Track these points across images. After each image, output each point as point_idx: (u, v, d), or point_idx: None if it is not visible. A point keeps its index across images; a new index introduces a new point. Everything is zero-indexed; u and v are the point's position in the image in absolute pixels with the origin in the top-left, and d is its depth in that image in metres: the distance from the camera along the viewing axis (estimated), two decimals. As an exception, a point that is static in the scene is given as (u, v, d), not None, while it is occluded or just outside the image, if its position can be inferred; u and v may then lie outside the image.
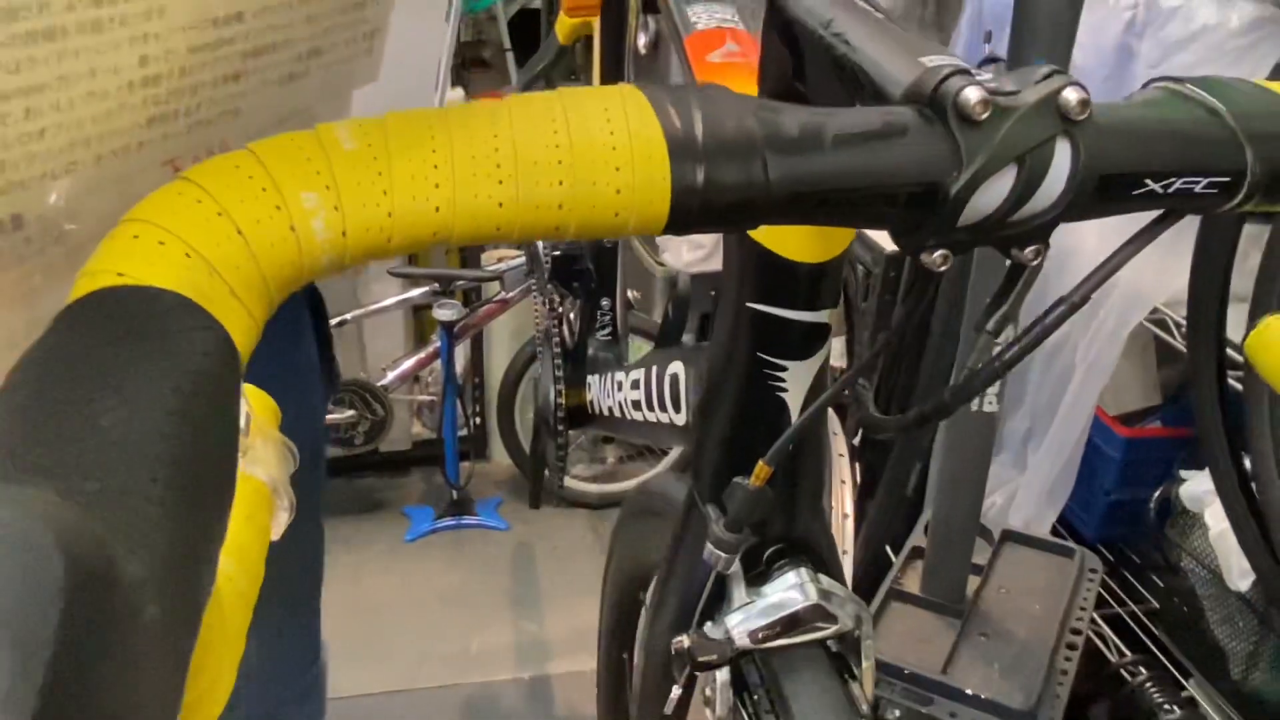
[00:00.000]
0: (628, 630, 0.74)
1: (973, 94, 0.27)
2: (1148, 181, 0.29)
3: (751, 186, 0.25)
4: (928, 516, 1.08)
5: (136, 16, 0.21)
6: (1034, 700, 0.91)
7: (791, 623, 0.44)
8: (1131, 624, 1.22)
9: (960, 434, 0.96)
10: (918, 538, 1.11)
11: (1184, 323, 1.00)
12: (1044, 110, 0.27)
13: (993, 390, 0.93)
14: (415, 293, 2.25)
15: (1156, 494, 1.15)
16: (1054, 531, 1.35)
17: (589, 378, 0.97)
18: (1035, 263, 0.31)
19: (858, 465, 1.54)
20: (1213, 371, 0.96)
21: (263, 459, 0.34)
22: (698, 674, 0.45)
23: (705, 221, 0.26)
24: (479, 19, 2.92)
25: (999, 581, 1.07)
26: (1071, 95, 0.27)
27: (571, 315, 1.10)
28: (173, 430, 0.18)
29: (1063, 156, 0.28)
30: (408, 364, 2.31)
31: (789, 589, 0.45)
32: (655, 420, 0.67)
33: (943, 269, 0.29)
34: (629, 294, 1.11)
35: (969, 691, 0.92)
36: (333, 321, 2.28)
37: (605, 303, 1.05)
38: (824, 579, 0.46)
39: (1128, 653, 1.17)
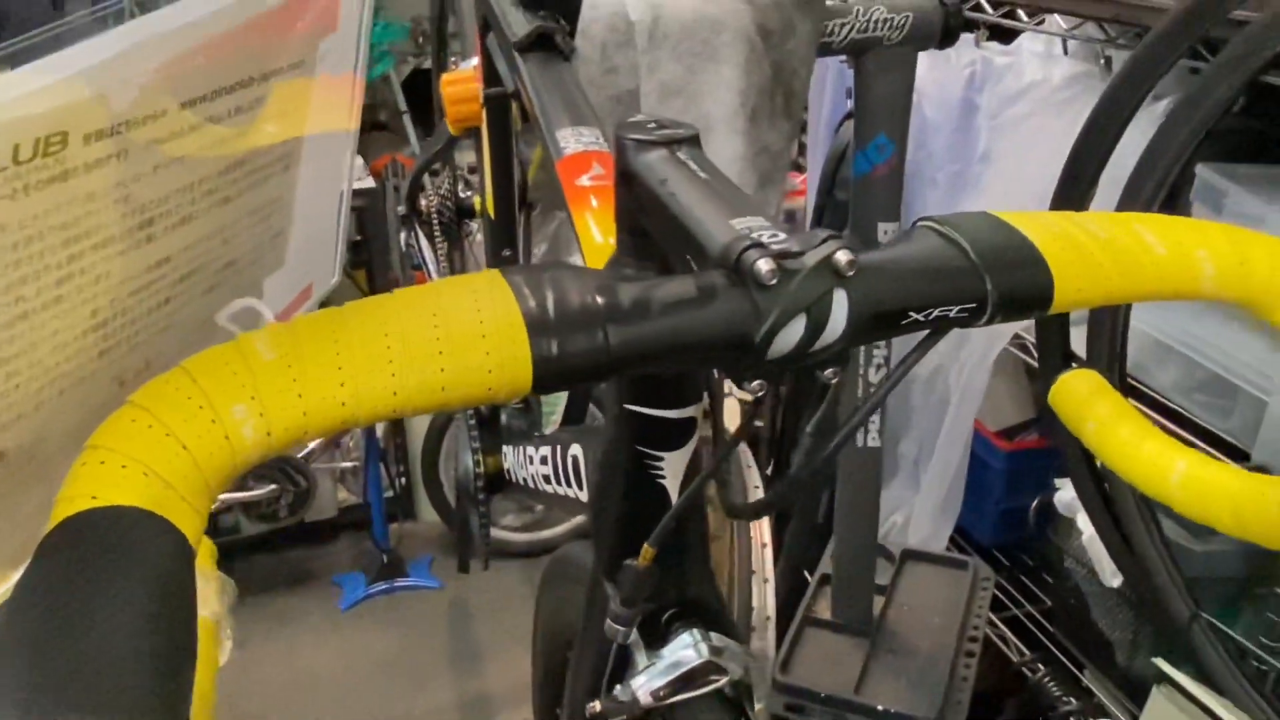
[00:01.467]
0: (557, 688, 0.79)
1: (764, 265, 0.34)
2: (911, 313, 0.36)
3: (596, 352, 0.32)
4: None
5: (88, 284, 0.26)
6: (938, 708, 0.99)
7: (688, 679, 0.50)
8: (1029, 624, 1.32)
9: (851, 469, 1.04)
10: (826, 565, 1.19)
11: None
12: (822, 270, 0.34)
13: (874, 428, 1.01)
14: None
15: (1035, 503, 1.25)
16: (954, 542, 1.44)
17: (504, 447, 1.03)
18: (835, 380, 0.38)
19: (772, 496, 1.62)
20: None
21: (205, 597, 0.39)
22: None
23: (562, 383, 0.32)
24: (372, 84, 2.96)
25: (902, 599, 1.16)
26: (842, 256, 0.35)
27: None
28: (149, 625, 0.23)
29: (840, 304, 0.35)
30: (327, 434, 2.32)
31: (684, 649, 0.51)
32: (564, 494, 0.73)
33: (760, 394, 0.36)
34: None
35: (880, 707, 1.00)
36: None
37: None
38: (714, 636, 0.52)
39: (1027, 652, 1.27)
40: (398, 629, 2.25)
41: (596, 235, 0.54)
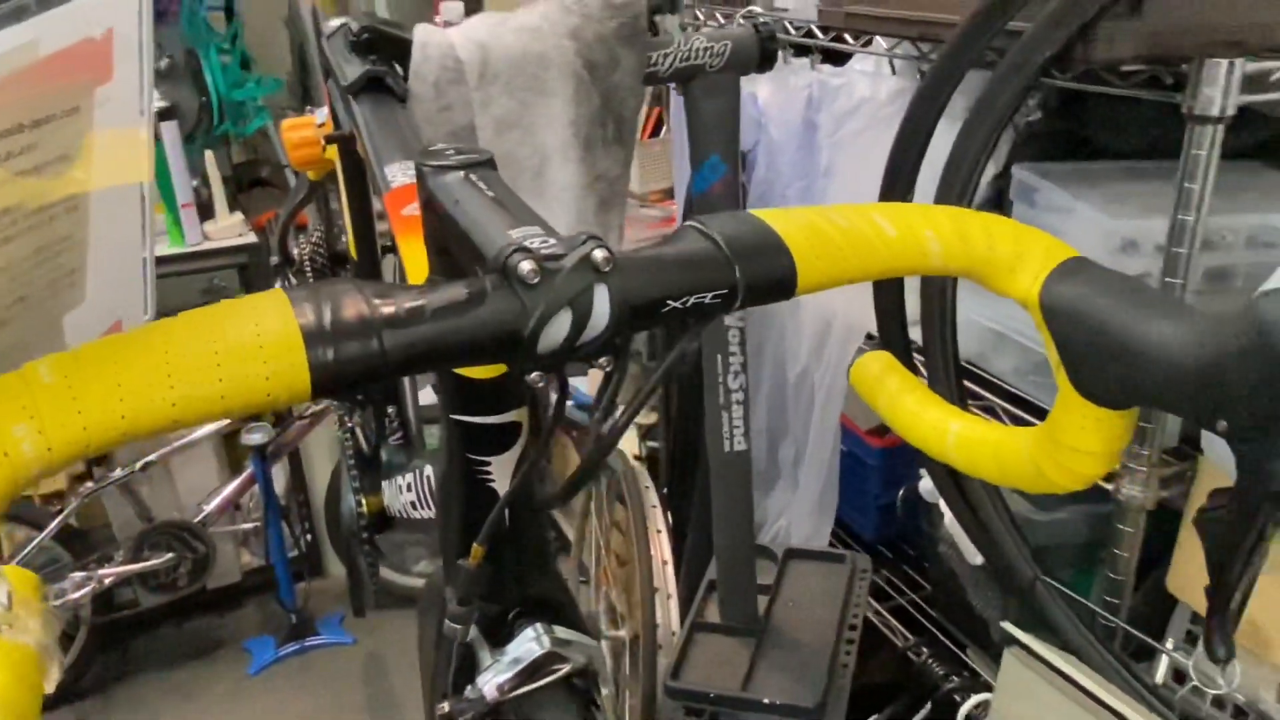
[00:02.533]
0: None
1: (526, 265, 0.37)
2: (670, 302, 0.41)
3: (372, 357, 0.35)
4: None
5: None
6: (820, 696, 1.03)
7: (531, 671, 0.53)
8: (914, 611, 1.38)
9: (721, 473, 1.08)
10: (713, 572, 1.23)
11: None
12: (581, 267, 0.38)
13: (739, 432, 1.06)
14: (221, 422, 2.23)
15: (901, 493, 1.31)
16: (839, 539, 1.50)
17: (384, 483, 1.04)
18: (609, 369, 0.42)
19: (668, 514, 1.66)
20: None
21: (29, 627, 0.40)
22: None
23: (342, 386, 0.35)
24: (251, 140, 2.94)
25: (786, 596, 1.20)
26: (599, 254, 0.39)
27: (360, 426, 1.17)
28: None
29: (601, 297, 0.39)
30: (223, 495, 2.27)
31: (527, 643, 0.54)
32: (427, 518, 0.76)
33: (540, 384, 0.40)
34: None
35: (765, 700, 1.03)
36: (138, 464, 2.21)
37: (392, 410, 1.12)
38: (558, 629, 0.56)
39: (910, 637, 1.33)
40: (312, 689, 2.20)
41: (419, 260, 0.57)
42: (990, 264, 0.45)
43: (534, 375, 0.39)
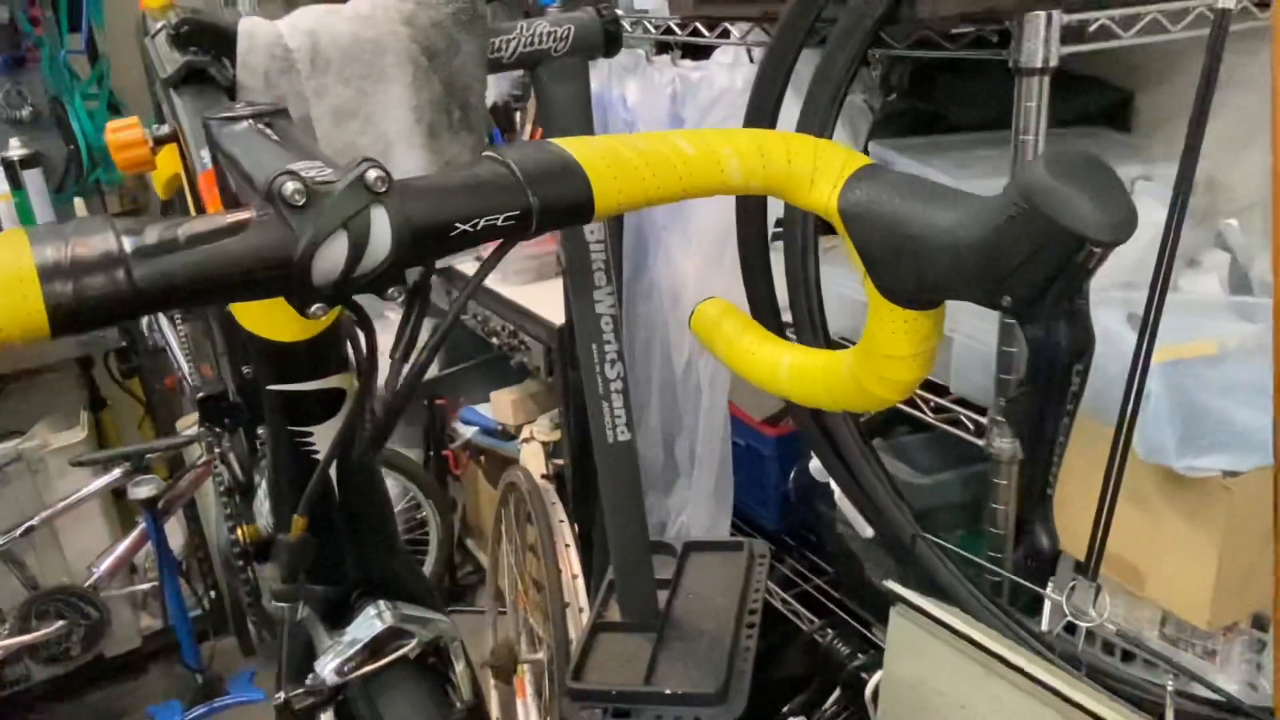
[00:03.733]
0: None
1: (290, 185, 0.36)
2: (459, 224, 0.39)
3: (119, 291, 0.33)
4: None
5: None
6: (722, 681, 1.02)
7: (373, 649, 0.51)
8: (820, 597, 1.39)
9: (608, 467, 1.07)
10: (611, 572, 1.21)
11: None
12: (355, 188, 0.37)
13: (621, 421, 1.05)
14: (107, 478, 2.12)
15: (793, 474, 1.32)
16: (742, 531, 1.50)
17: (254, 504, 1.00)
18: (399, 299, 0.40)
19: (575, 527, 1.64)
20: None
21: None
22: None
23: (86, 324, 0.33)
24: (130, 188, 2.84)
25: (686, 588, 1.19)
26: (372, 174, 0.37)
27: (232, 454, 1.12)
28: None
29: (380, 220, 0.37)
30: (114, 555, 2.16)
31: (367, 621, 0.52)
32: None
33: (323, 319, 0.38)
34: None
35: (667, 691, 1.02)
36: (18, 530, 2.10)
37: (262, 431, 1.08)
38: (403, 605, 0.53)
39: (816, 620, 1.33)
40: (224, 751, 2.10)
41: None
42: (790, 178, 0.45)
43: (315, 309, 0.38)
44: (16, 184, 2.13)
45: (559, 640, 1.44)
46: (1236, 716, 0.80)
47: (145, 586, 2.30)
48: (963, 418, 1.00)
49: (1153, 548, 0.88)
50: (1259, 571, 0.87)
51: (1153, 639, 0.99)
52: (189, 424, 2.17)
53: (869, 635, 1.30)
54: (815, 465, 1.24)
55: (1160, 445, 0.82)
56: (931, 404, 1.04)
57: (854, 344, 1.15)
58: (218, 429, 1.10)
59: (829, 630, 1.30)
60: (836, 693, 1.29)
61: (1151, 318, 0.77)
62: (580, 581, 1.55)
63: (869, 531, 1.17)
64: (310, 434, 0.50)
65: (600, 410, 1.04)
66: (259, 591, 1.08)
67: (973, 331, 1.00)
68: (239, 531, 1.06)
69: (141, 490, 2.00)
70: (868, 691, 1.18)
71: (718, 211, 1.26)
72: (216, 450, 1.09)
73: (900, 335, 0.45)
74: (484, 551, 2.29)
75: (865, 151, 1.18)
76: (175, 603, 2.14)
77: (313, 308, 0.38)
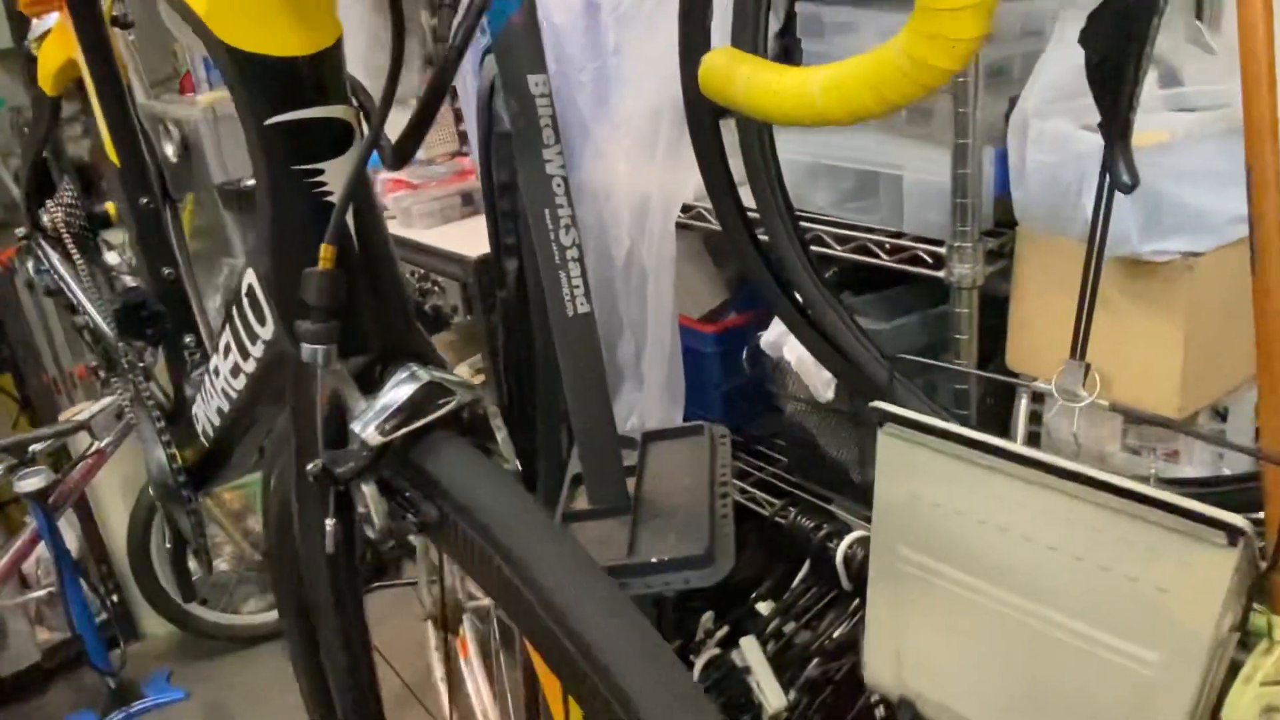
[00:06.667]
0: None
1: None
2: None
3: None
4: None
5: None
6: (707, 543, 1.00)
7: (414, 406, 0.46)
8: (774, 483, 1.38)
9: (568, 342, 1.03)
10: (575, 467, 1.18)
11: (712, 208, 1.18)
12: None
13: (580, 292, 1.02)
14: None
15: (745, 353, 1.31)
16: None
17: (193, 410, 0.92)
18: None
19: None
20: (744, 233, 1.13)
21: None
22: (346, 494, 0.46)
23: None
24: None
25: (652, 473, 1.17)
26: None
27: (156, 369, 1.03)
28: None
29: None
30: (4, 563, 1.98)
31: (402, 382, 0.47)
32: (249, 373, 0.66)
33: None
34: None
35: (653, 559, 0.99)
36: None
37: (189, 339, 1.00)
38: (433, 369, 0.49)
39: (776, 503, 1.32)
40: (147, 753, 1.96)
41: None
42: None
43: None
44: None
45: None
46: (1218, 486, 0.83)
47: (39, 594, 2.13)
48: (920, 253, 1.01)
49: (1118, 349, 0.91)
50: (1221, 354, 0.91)
51: (1116, 453, 1.02)
52: (74, 412, 2.01)
53: (829, 509, 1.31)
54: (767, 339, 1.24)
55: (1124, 234, 0.84)
56: (886, 246, 1.05)
57: (799, 210, 1.14)
58: (140, 342, 1.01)
59: (790, 509, 1.29)
60: (805, 568, 1.28)
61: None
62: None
63: (828, 394, 1.17)
64: (321, 171, 0.45)
65: (557, 281, 1.00)
66: (202, 525, 1.00)
67: (920, 166, 1.01)
68: (178, 456, 0.98)
69: (30, 482, 1.84)
70: (839, 553, 1.18)
71: (645, 97, 1.24)
72: (140, 366, 1.00)
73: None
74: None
75: (790, 29, 1.17)
76: (79, 605, 1.98)
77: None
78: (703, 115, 1.08)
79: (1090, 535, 0.75)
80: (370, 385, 0.48)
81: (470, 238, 1.62)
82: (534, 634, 0.43)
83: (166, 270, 0.97)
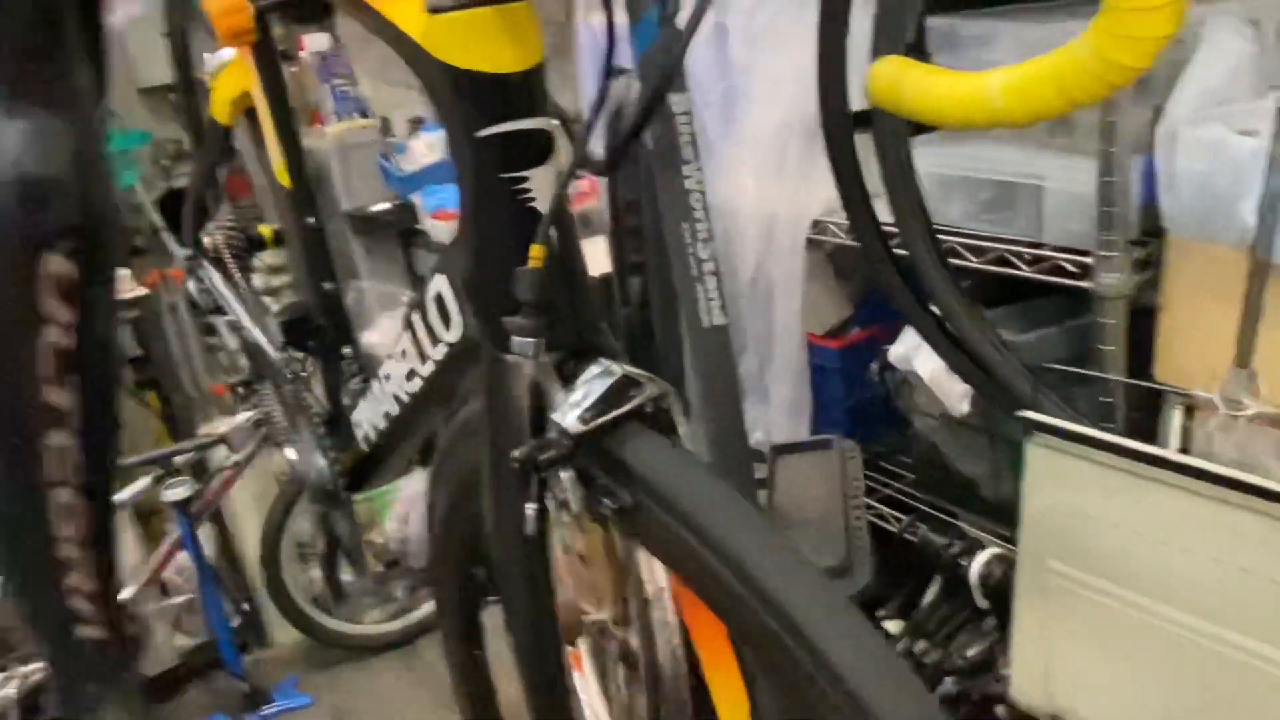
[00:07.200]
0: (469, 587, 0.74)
1: None
2: None
3: None
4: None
5: None
6: (844, 556, 1.00)
7: (611, 397, 0.49)
8: (901, 498, 1.37)
9: (702, 353, 1.05)
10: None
11: (843, 224, 1.19)
12: None
13: (715, 304, 1.04)
14: (136, 487, 2.06)
15: (872, 367, 1.30)
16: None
17: (354, 416, 0.97)
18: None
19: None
20: (880, 246, 1.13)
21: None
22: (545, 481, 0.49)
23: None
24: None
25: (783, 485, 1.17)
26: None
27: (315, 379, 1.09)
28: None
29: None
30: (148, 570, 2.10)
31: (598, 375, 0.50)
32: (425, 375, 0.69)
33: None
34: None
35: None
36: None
37: (347, 351, 1.06)
38: (623, 364, 0.51)
39: (904, 517, 1.31)
40: (278, 758, 2.04)
41: None
42: None
43: None
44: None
45: (634, 586, 1.41)
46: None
47: (177, 600, 2.24)
48: (1063, 263, 1.00)
49: (1274, 352, 0.88)
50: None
51: (1276, 465, 0.98)
52: (213, 430, 2.12)
53: (958, 525, 1.29)
54: (896, 352, 1.24)
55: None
56: (1026, 257, 1.04)
57: (945, 229, 1.13)
58: (302, 353, 1.07)
59: (918, 524, 1.28)
60: (935, 585, 1.27)
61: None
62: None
63: (963, 408, 1.16)
64: (526, 179, 0.48)
65: (693, 293, 1.02)
66: (357, 528, 1.05)
67: (1062, 175, 1.00)
68: (338, 459, 1.04)
69: (176, 492, 1.95)
70: (974, 569, 1.17)
71: (774, 115, 1.26)
72: (303, 375, 1.06)
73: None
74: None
75: (919, 45, 1.18)
76: (216, 610, 2.08)
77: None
78: (839, 128, 1.09)
79: (1258, 548, 0.73)
80: (564, 379, 0.51)
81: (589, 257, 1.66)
82: (746, 629, 0.44)
83: (328, 285, 1.03)
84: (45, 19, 0.44)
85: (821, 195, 1.23)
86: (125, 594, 2.05)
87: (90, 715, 0.58)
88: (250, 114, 1.02)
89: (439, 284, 0.61)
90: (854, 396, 1.45)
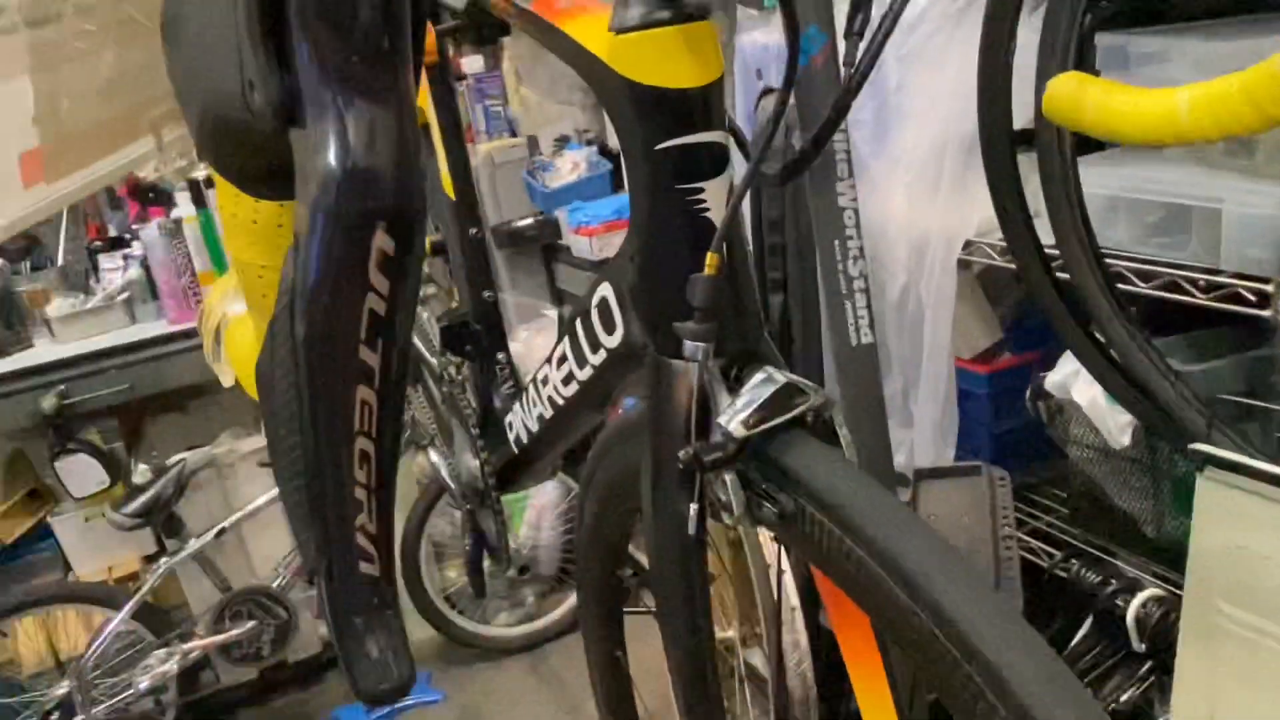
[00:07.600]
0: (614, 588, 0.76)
1: None
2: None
3: None
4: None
5: None
6: (992, 585, 0.97)
7: (775, 402, 0.50)
8: (1051, 532, 1.32)
9: (849, 371, 1.04)
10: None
11: (997, 244, 1.16)
12: None
13: (864, 322, 1.03)
14: (290, 482, 2.19)
15: (1029, 391, 1.26)
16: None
17: (507, 418, 1.00)
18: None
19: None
20: (1040, 269, 1.10)
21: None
22: (709, 482, 0.50)
23: None
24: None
25: (927, 511, 1.15)
26: None
27: (468, 383, 1.14)
28: None
29: None
30: (295, 561, 2.22)
31: (762, 382, 0.51)
32: (582, 380, 0.72)
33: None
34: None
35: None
36: (211, 532, 2.17)
37: (501, 356, 1.10)
38: (786, 372, 0.52)
39: (1056, 553, 1.26)
40: (409, 750, 2.12)
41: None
42: None
43: None
44: (200, 203, 2.25)
45: (766, 603, 1.40)
46: None
47: (324, 590, 2.35)
48: (1241, 290, 0.95)
49: None
50: None
51: None
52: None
53: (1114, 563, 1.23)
54: (1053, 379, 1.19)
55: None
56: (1200, 283, 0.99)
57: (1109, 252, 1.09)
58: (459, 358, 1.12)
59: (1072, 560, 1.23)
60: (1086, 625, 1.21)
61: None
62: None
63: (1124, 439, 1.11)
64: (702, 190, 0.50)
65: (842, 310, 1.02)
66: (504, 524, 1.09)
67: (1243, 199, 0.95)
68: (488, 461, 1.08)
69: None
70: (1131, 610, 1.11)
71: (929, 133, 1.24)
72: (460, 377, 1.11)
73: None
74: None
75: (1090, 46, 1.14)
76: (357, 603, 2.18)
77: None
78: (1000, 146, 1.07)
79: None
80: (729, 385, 0.52)
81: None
82: (911, 641, 0.43)
83: (487, 293, 1.07)
84: (388, 23, 0.50)
85: (975, 215, 1.21)
86: (280, 578, 2.18)
87: (357, 643, 0.65)
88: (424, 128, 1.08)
89: (604, 290, 0.63)
90: (1001, 424, 1.41)
